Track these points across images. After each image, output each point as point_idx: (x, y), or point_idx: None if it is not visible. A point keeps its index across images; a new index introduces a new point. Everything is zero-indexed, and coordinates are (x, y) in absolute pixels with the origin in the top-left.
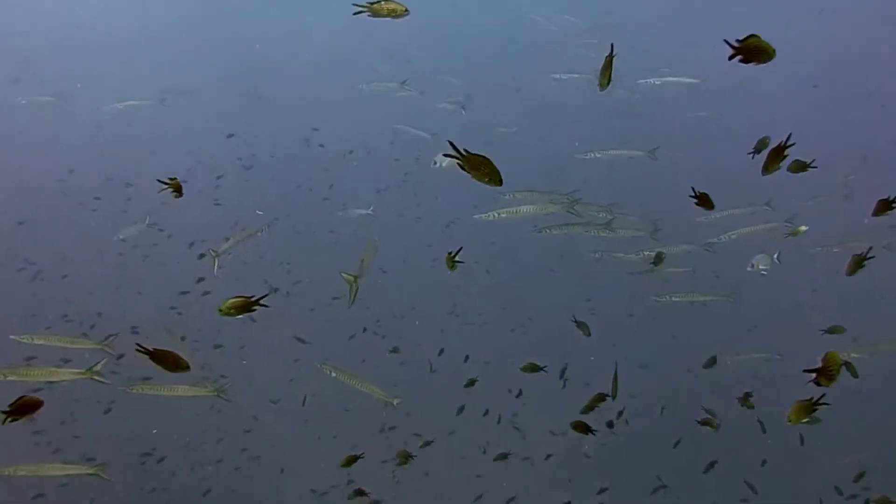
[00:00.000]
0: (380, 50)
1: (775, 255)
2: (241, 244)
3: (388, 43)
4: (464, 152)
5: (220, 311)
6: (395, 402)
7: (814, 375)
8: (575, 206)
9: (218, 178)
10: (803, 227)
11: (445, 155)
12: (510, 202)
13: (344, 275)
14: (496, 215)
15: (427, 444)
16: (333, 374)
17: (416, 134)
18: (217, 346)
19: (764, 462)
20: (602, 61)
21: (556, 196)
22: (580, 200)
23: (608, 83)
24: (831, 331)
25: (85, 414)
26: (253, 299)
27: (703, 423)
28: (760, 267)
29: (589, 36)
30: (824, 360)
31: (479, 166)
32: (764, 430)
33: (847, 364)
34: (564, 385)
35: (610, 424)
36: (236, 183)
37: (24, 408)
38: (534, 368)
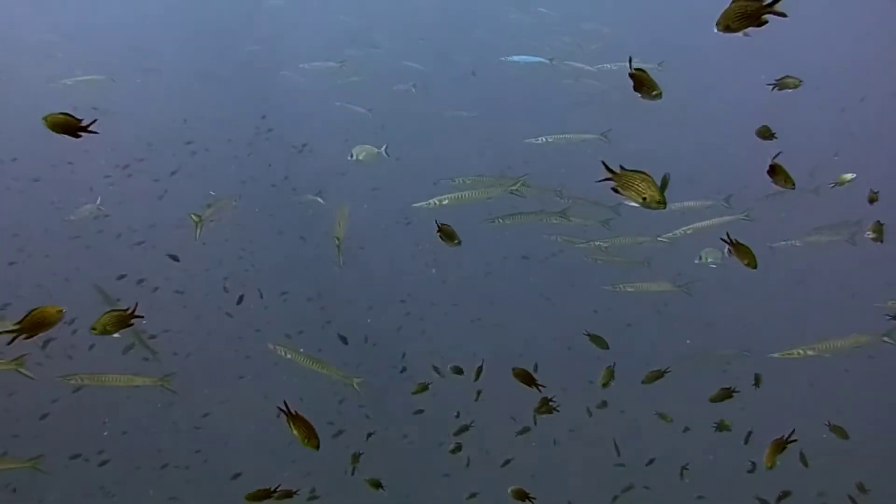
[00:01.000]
0: (344, 34)
1: (725, 250)
2: (218, 213)
3: (352, 27)
4: (618, 169)
5: (94, 329)
6: (355, 382)
7: None
8: (520, 189)
9: (172, 173)
10: (849, 176)
11: (599, 180)
12: (456, 188)
13: (336, 240)
14: (437, 203)
15: (370, 434)
16: (289, 356)
17: (355, 110)
18: (152, 336)
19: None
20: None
21: (504, 181)
22: (526, 184)
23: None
24: None
25: (29, 410)
26: (128, 312)
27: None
28: (709, 260)
29: (561, 25)
30: None
31: (635, 182)
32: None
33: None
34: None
35: (589, 412)
36: (187, 167)
37: (35, 324)
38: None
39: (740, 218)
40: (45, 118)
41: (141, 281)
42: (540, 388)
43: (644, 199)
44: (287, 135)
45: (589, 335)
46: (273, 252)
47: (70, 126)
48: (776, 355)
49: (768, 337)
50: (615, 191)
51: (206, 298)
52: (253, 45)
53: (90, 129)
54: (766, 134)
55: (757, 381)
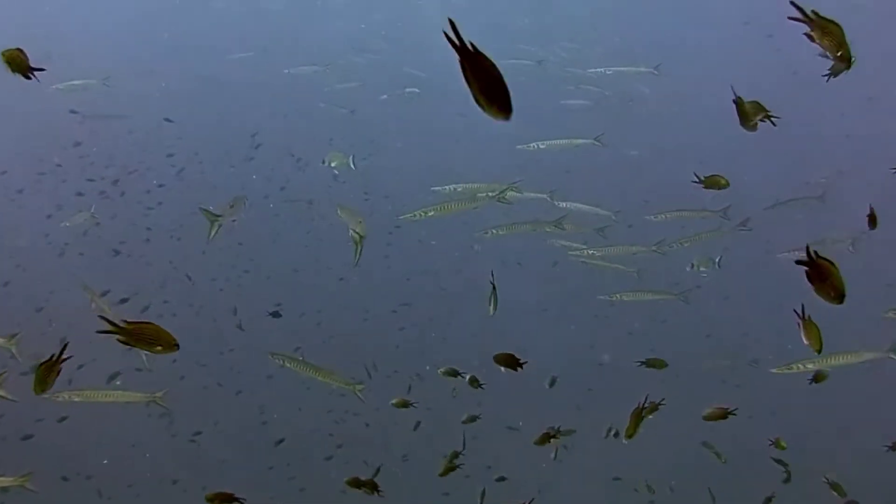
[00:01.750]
0: (347, 41)
1: (717, 259)
2: (236, 212)
3: (356, 35)
4: (814, 255)
5: (37, 391)
6: (356, 388)
7: None
8: (506, 197)
9: (160, 185)
10: None
11: (798, 262)
12: (449, 195)
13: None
14: (423, 214)
15: (377, 471)
16: (288, 365)
17: (339, 111)
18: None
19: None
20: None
21: (493, 188)
22: (517, 190)
23: None
24: None
25: (16, 429)
26: (55, 359)
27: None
28: (701, 268)
29: (559, 31)
30: None
31: (826, 277)
32: (787, 472)
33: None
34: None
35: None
36: (179, 178)
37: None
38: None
39: (738, 228)
40: (3, 53)
41: (129, 298)
42: (521, 366)
43: (832, 295)
44: (283, 143)
45: (644, 362)
46: (269, 262)
47: (22, 64)
48: (774, 370)
49: (771, 348)
50: (808, 278)
51: (200, 310)
52: (251, 51)
53: (36, 70)
54: (745, 110)
55: (817, 378)
